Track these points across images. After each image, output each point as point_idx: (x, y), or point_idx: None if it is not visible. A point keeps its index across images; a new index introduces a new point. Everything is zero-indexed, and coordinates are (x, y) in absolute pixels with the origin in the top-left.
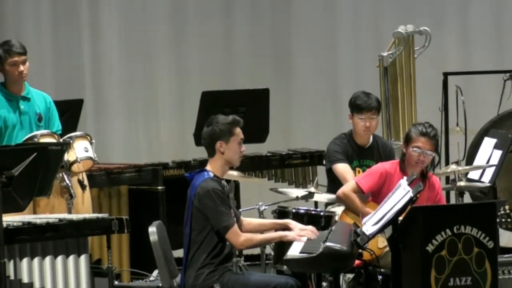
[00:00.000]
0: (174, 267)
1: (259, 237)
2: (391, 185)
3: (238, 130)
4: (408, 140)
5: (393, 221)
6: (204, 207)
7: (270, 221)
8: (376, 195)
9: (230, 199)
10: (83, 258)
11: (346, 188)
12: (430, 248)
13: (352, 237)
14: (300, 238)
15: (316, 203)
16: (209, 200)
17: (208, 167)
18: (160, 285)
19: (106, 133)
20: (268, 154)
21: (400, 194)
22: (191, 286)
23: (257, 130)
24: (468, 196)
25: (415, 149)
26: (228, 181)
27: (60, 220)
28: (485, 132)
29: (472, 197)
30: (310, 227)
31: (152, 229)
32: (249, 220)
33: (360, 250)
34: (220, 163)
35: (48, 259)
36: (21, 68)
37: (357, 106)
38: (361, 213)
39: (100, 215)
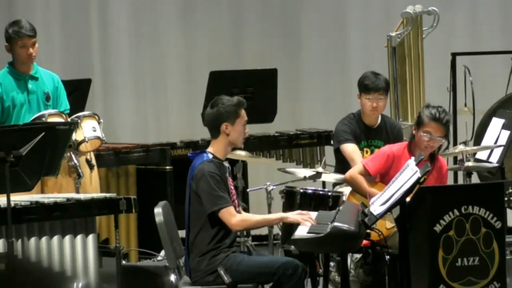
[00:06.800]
0: (180, 247)
1: (256, 217)
2: (399, 167)
3: (243, 112)
4: (419, 123)
5: (400, 202)
6: (200, 190)
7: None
8: (384, 175)
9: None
10: (90, 238)
11: (353, 171)
12: (437, 228)
13: (359, 217)
14: (303, 222)
15: (323, 183)
16: (205, 183)
17: (210, 149)
18: (168, 264)
19: (114, 112)
20: (276, 134)
21: (408, 174)
22: (194, 270)
23: (265, 110)
24: (476, 176)
25: (425, 134)
26: (236, 161)
27: (68, 199)
28: (493, 112)
29: (480, 177)
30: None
31: (157, 209)
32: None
33: (368, 230)
34: (223, 145)
35: (55, 238)
36: (30, 50)
37: (364, 86)
38: (369, 195)
39: (108, 195)
